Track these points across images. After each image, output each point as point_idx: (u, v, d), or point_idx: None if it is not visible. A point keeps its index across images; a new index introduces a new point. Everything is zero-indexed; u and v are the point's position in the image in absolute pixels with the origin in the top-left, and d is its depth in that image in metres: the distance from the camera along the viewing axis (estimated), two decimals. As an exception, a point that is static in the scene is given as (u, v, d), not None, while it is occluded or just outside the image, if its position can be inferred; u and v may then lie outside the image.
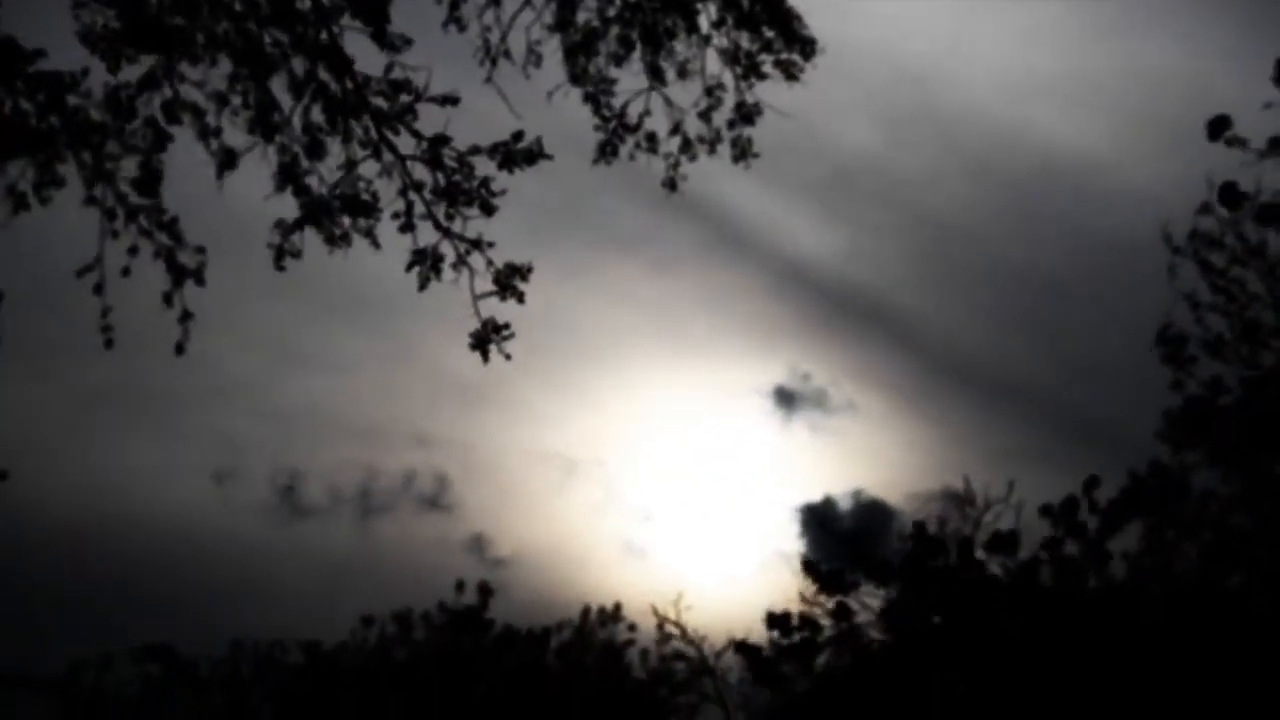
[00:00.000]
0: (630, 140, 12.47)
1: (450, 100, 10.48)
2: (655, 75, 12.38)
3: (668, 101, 12.52)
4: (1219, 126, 23.20)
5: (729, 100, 12.51)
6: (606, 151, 12.42)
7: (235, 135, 11.06)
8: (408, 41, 10.69)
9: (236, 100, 10.90)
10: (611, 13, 12.07)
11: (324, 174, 10.78)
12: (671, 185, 12.69)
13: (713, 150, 12.63)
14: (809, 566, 36.62)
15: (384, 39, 10.63)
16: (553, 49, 11.97)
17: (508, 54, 11.75)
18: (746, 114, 12.56)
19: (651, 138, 12.52)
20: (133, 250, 11.03)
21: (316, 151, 10.82)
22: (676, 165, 12.61)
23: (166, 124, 10.80)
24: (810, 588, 36.25)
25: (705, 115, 12.55)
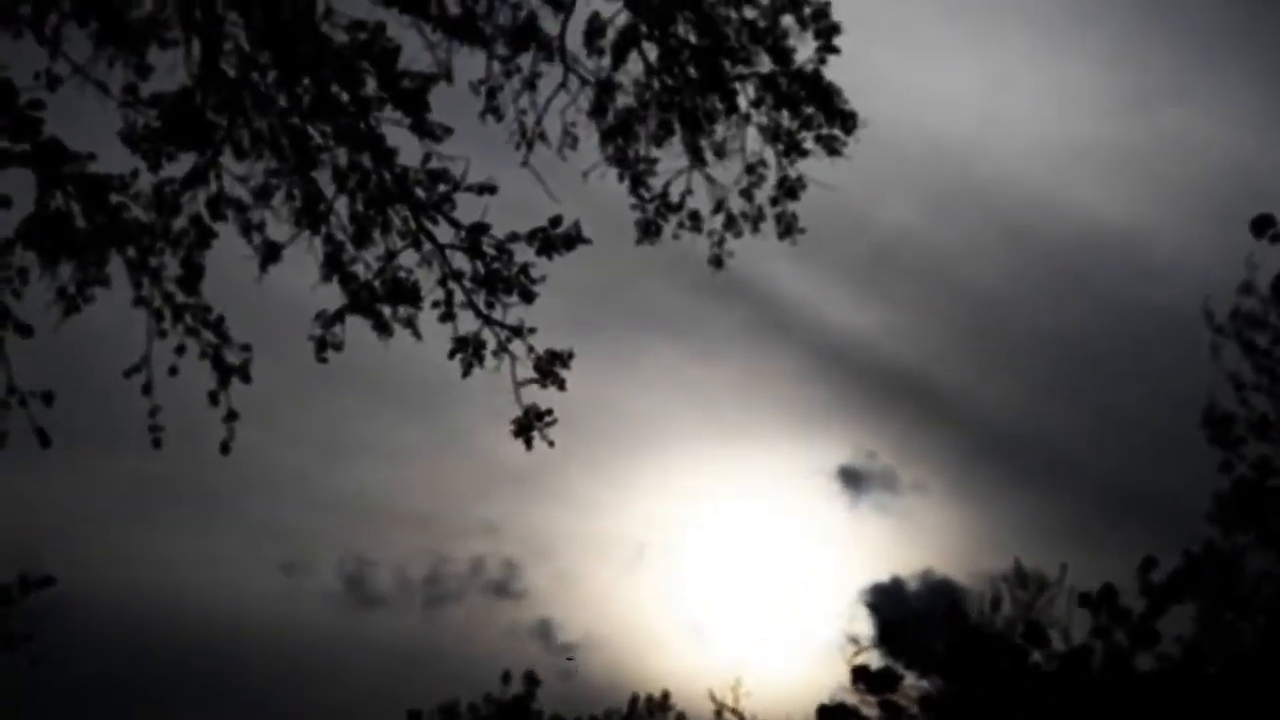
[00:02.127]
0: (673, 220, 12.47)
1: (488, 189, 10.56)
2: (695, 155, 12.40)
3: (709, 179, 12.52)
4: (1263, 225, 22.99)
5: (771, 176, 12.49)
6: (650, 231, 12.43)
7: (277, 228, 11.18)
8: (447, 130, 10.80)
9: (279, 194, 11.01)
10: (649, 97, 12.11)
11: (370, 262, 10.86)
12: (717, 263, 12.66)
13: (756, 228, 12.59)
14: (858, 673, 35.96)
15: (424, 128, 10.76)
16: (589, 130, 12.03)
17: (543, 137, 11.82)
18: (790, 189, 12.52)
19: (695, 216, 12.51)
20: (179, 349, 11.09)
21: (362, 240, 10.90)
22: (721, 243, 12.59)
23: (211, 221, 10.92)
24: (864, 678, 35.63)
25: (747, 193, 12.53)
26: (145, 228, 10.80)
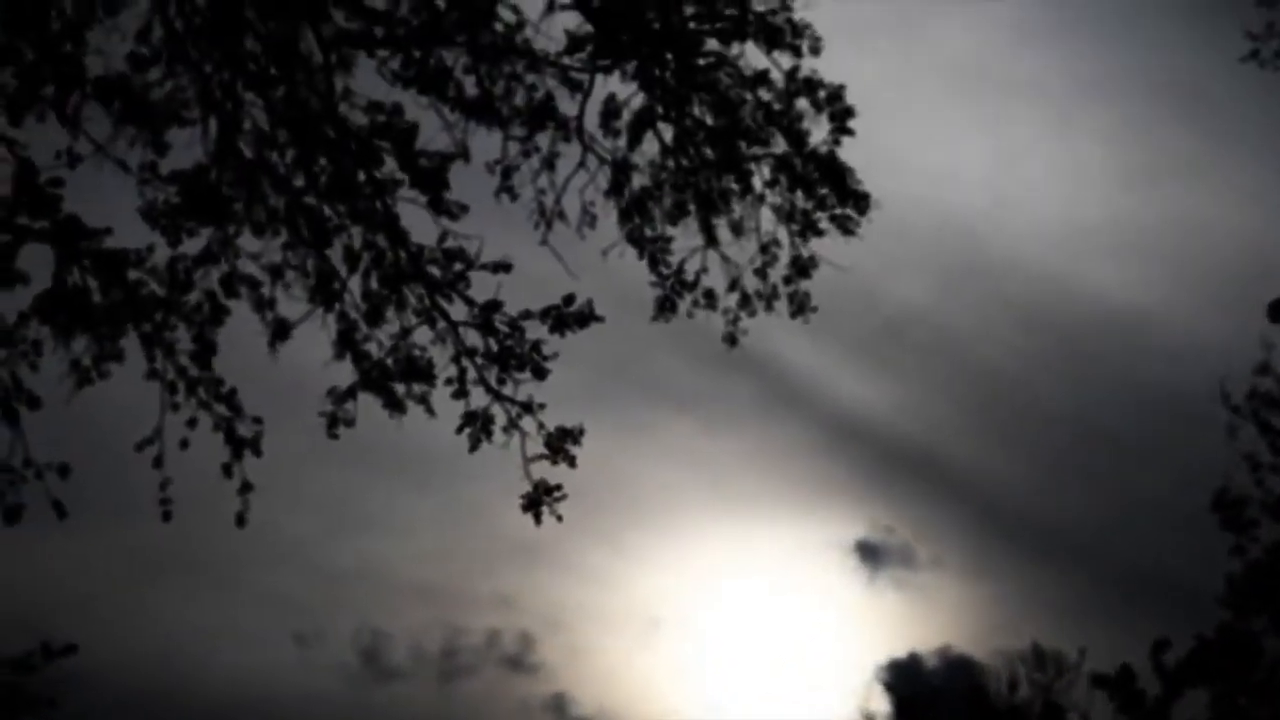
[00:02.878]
0: (688, 297, 12.51)
1: (503, 267, 10.62)
2: (710, 234, 12.47)
3: (724, 257, 12.58)
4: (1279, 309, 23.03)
5: (784, 255, 12.54)
6: (665, 308, 12.48)
7: (289, 304, 11.23)
8: (464, 208, 10.89)
9: (293, 271, 11.08)
10: (665, 176, 12.20)
11: (382, 340, 10.91)
12: (731, 340, 12.70)
13: (770, 306, 12.63)
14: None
15: (441, 207, 10.85)
16: (607, 208, 12.11)
17: (562, 215, 11.91)
18: (802, 268, 12.56)
19: (709, 295, 12.56)
20: (191, 422, 11.11)
21: (375, 318, 10.96)
22: (736, 321, 12.63)
23: (225, 298, 10.98)
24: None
25: (761, 271, 12.57)
26: (160, 302, 10.88)
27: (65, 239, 9.93)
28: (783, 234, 12.44)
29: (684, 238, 12.52)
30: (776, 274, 12.52)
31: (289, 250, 11.07)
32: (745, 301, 12.50)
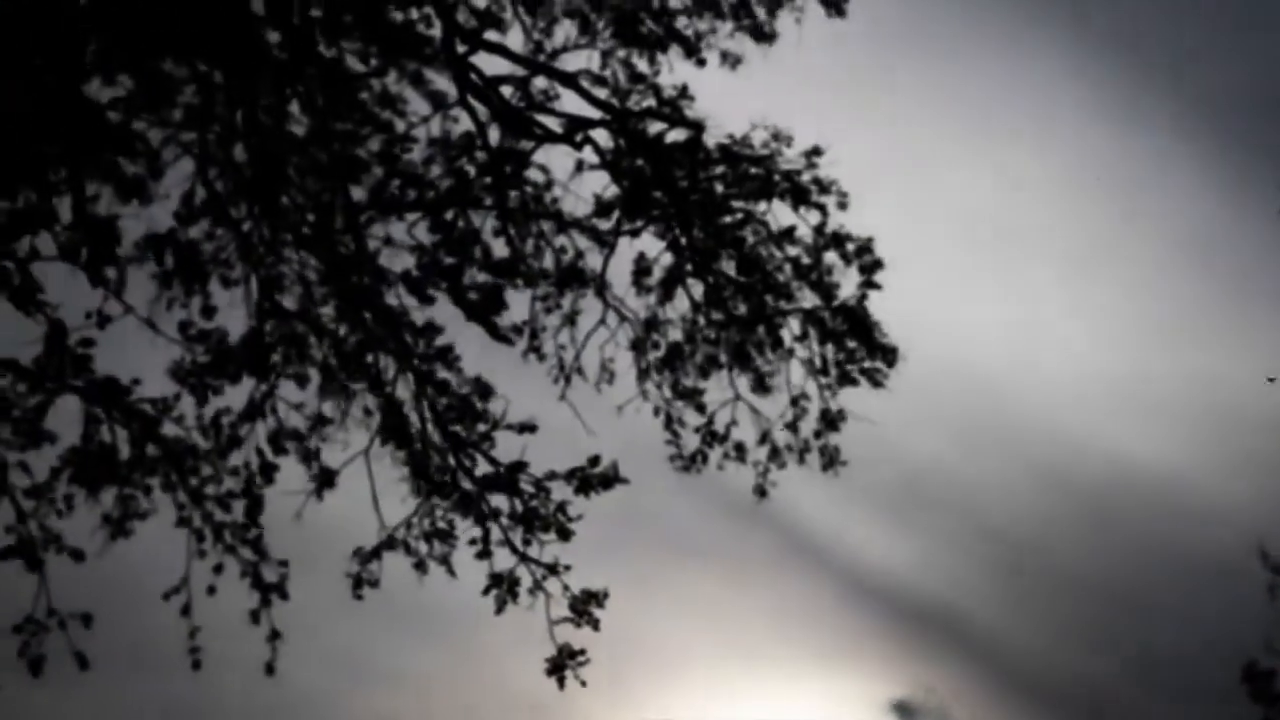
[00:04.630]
0: (719, 450, 12.44)
1: (528, 428, 10.65)
2: (741, 387, 12.43)
3: (754, 410, 12.53)
4: None
5: (814, 408, 12.48)
6: (696, 460, 12.40)
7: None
8: (518, 331, 11.08)
9: (334, 422, 11.15)
10: (695, 331, 12.21)
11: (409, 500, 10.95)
12: (761, 493, 12.57)
13: (802, 459, 12.53)
14: None
15: (497, 333, 10.99)
16: (626, 362, 12.14)
17: (581, 371, 11.95)
18: (832, 421, 12.49)
19: (740, 448, 12.48)
20: (218, 569, 11.15)
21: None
22: (765, 473, 12.53)
23: (274, 455, 11.06)
24: None
25: (792, 425, 12.50)
26: (189, 450, 10.96)
27: (96, 398, 10.04)
28: (812, 387, 12.39)
29: (714, 390, 12.51)
30: (807, 427, 12.45)
31: (331, 399, 11.15)
32: (775, 454, 12.43)
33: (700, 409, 12.33)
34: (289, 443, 11.02)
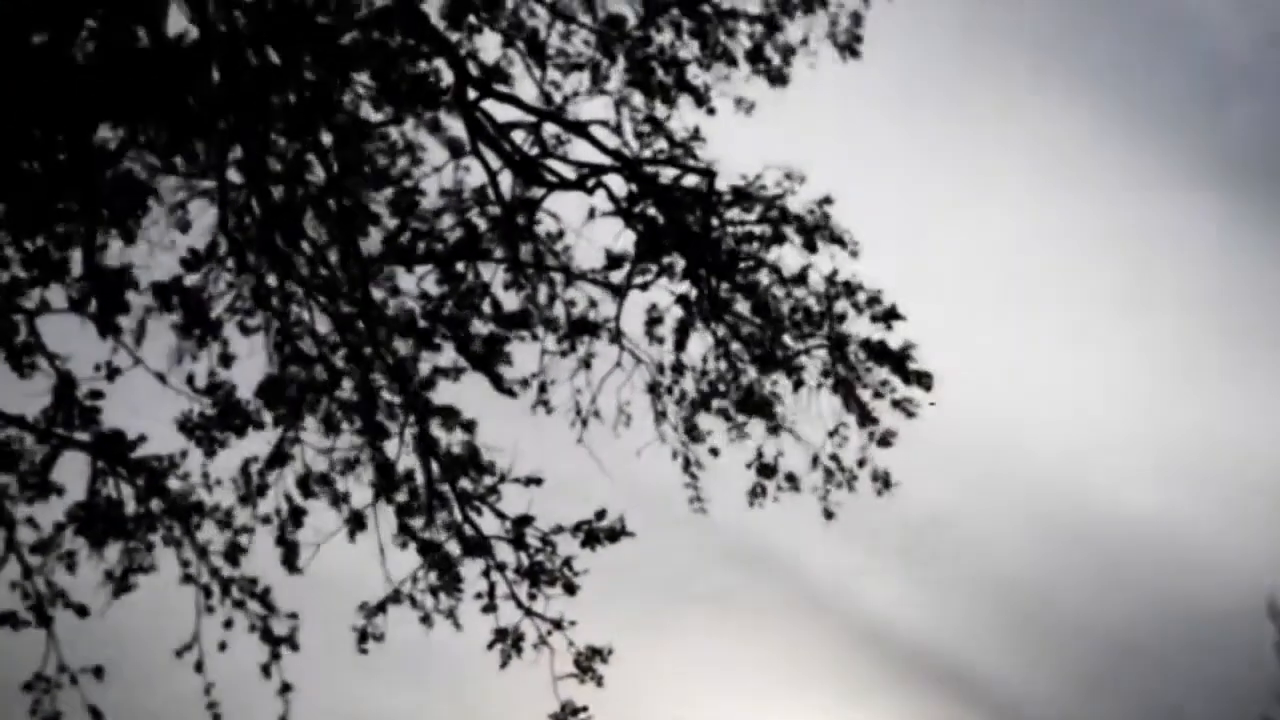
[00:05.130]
0: (773, 482, 12.19)
1: (534, 481, 10.58)
2: (773, 427, 12.24)
3: (796, 437, 12.29)
4: None
5: (854, 438, 12.17)
6: (757, 494, 12.17)
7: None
8: (525, 385, 11.09)
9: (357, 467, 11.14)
10: (715, 376, 12.09)
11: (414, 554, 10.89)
12: (828, 515, 12.27)
13: (852, 486, 12.24)
14: None
15: (501, 385, 10.96)
16: (641, 404, 12.03)
17: (598, 414, 11.87)
18: (883, 440, 12.15)
19: (791, 477, 12.20)
20: (228, 624, 11.11)
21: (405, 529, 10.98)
22: (826, 496, 12.25)
23: (304, 498, 11.04)
24: None
25: (835, 456, 12.22)
26: (195, 506, 10.93)
27: (103, 452, 10.03)
28: (850, 421, 12.12)
29: (726, 430, 12.36)
30: (850, 454, 12.19)
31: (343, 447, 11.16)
32: (829, 476, 12.17)
33: (714, 452, 12.16)
34: (318, 486, 11.02)
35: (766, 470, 12.12)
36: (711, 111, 11.92)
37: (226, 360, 10.86)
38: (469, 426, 10.78)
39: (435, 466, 10.68)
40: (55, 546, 10.33)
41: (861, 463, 12.11)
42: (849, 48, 12.21)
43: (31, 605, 10.49)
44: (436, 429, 10.97)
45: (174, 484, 10.65)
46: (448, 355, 11.23)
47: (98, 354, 10.14)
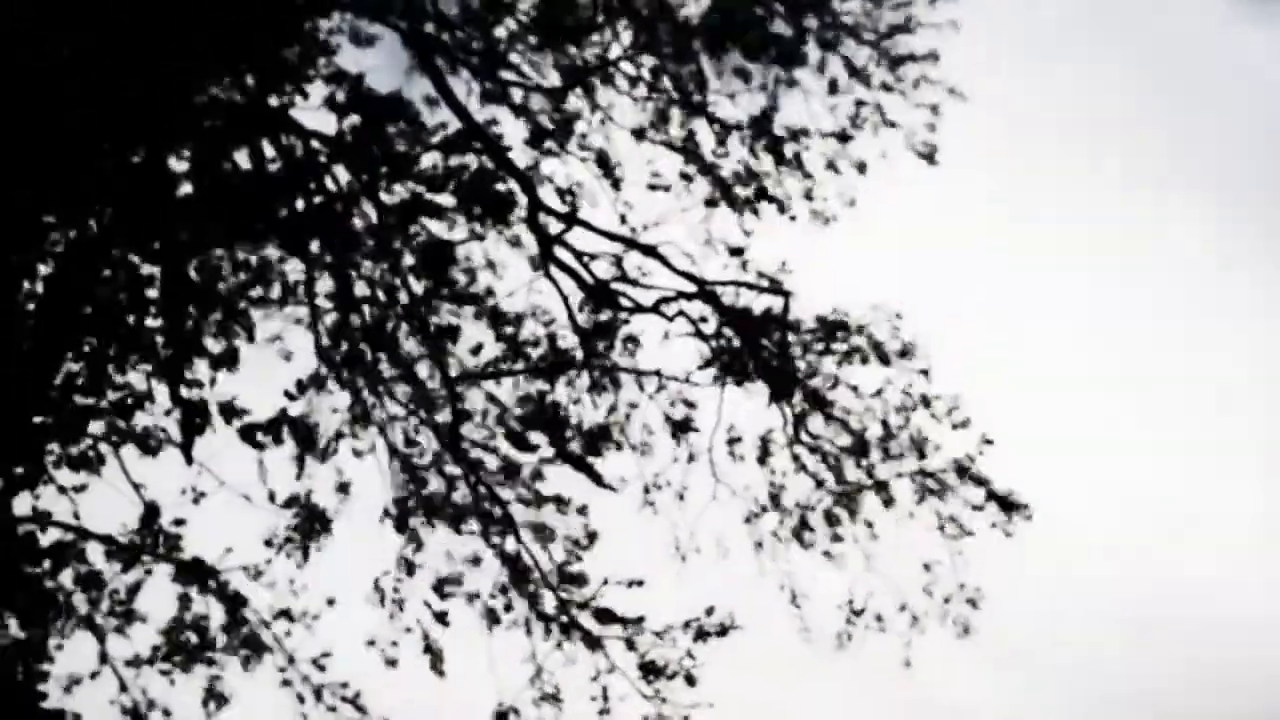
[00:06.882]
0: (859, 622, 12.11)
1: (636, 584, 10.82)
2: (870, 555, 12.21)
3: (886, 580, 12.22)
4: None
5: (946, 575, 12.09)
6: (844, 640, 12.13)
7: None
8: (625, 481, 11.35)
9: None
10: (808, 500, 12.09)
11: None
12: (906, 664, 12.20)
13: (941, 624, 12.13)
14: None
15: (600, 482, 11.29)
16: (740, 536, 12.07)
17: (698, 551, 11.82)
18: (970, 600, 12.12)
19: (879, 618, 12.18)
20: None
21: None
22: (909, 644, 12.19)
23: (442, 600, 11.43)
24: None
25: (927, 590, 12.16)
26: (283, 612, 11.20)
27: (190, 577, 10.34)
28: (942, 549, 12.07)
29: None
30: (939, 593, 12.10)
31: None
32: (915, 621, 12.12)
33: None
34: (450, 588, 11.29)
35: (856, 614, 12.01)
36: (793, 219, 12.02)
37: (344, 488, 11.22)
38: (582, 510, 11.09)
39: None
40: (150, 665, 10.65)
41: (947, 599, 12.00)
42: (928, 157, 12.25)
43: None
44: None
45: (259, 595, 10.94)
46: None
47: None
